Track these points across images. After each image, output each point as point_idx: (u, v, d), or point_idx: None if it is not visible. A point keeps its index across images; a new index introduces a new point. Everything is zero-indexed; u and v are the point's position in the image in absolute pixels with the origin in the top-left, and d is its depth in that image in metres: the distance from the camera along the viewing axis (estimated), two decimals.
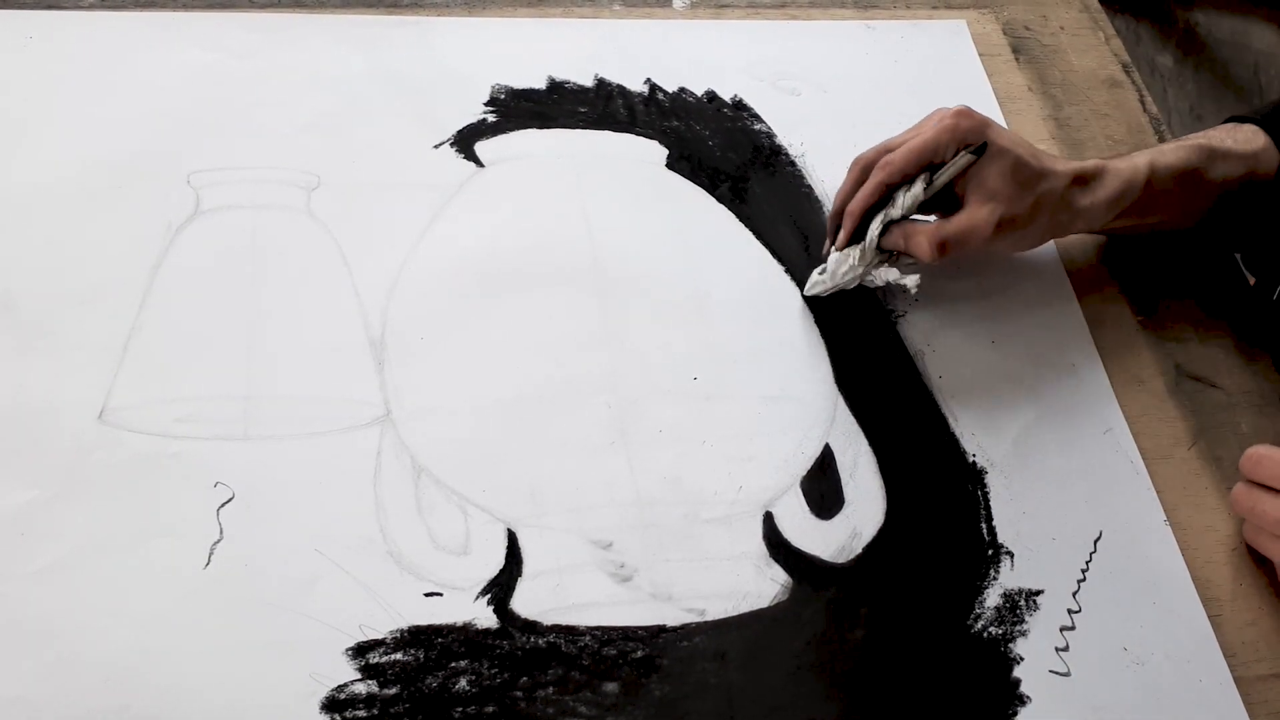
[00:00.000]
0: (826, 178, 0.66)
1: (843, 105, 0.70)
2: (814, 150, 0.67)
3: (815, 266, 0.60)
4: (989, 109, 0.71)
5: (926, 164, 0.56)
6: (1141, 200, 0.59)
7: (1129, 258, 0.65)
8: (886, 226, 0.57)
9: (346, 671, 0.46)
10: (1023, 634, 0.50)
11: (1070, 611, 0.51)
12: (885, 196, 0.57)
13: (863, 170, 0.58)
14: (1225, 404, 0.60)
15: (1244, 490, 0.53)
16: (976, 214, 0.56)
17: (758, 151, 0.67)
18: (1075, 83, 0.75)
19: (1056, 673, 0.49)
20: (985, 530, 0.53)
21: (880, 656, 0.49)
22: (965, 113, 0.56)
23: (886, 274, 0.58)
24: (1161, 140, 0.72)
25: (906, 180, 0.57)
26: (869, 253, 0.57)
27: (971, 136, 0.56)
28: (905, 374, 0.58)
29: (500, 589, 0.49)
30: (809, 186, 0.66)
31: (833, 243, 0.59)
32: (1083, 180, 0.58)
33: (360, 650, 0.46)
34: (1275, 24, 1.69)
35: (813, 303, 0.60)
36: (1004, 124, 0.70)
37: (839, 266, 0.58)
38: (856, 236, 0.58)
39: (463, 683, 0.46)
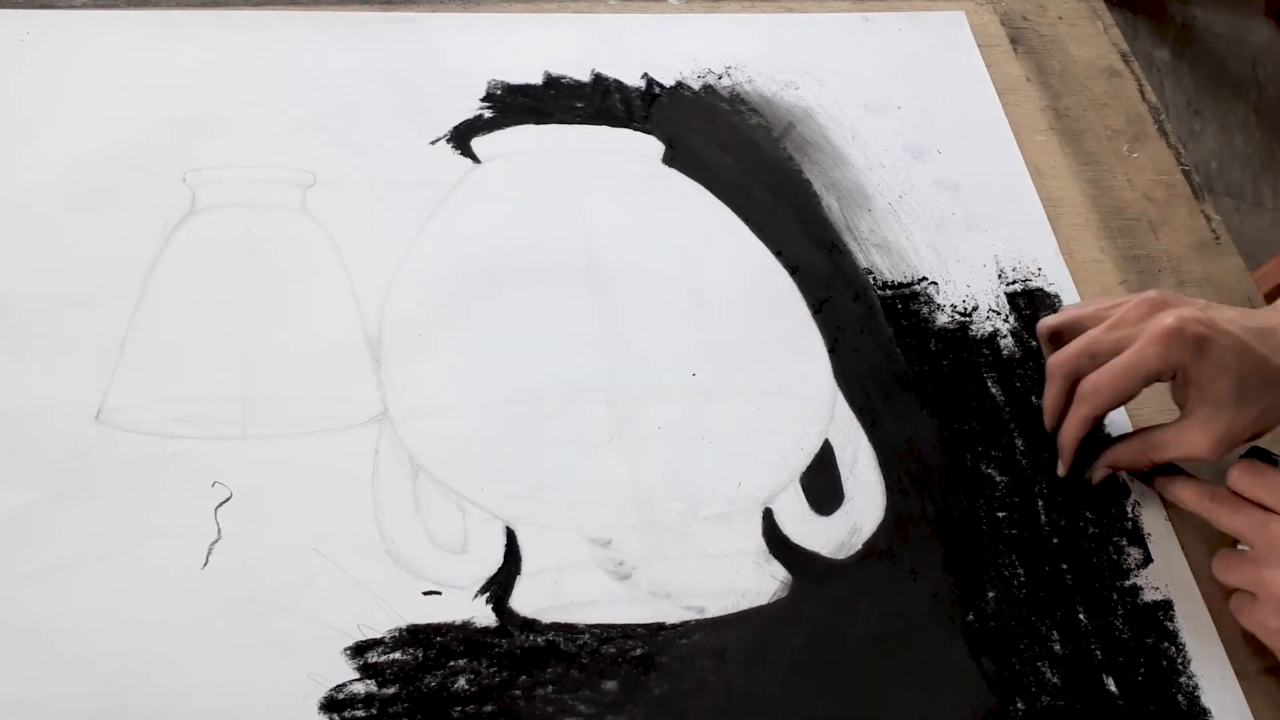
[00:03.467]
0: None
1: (841, 98, 0.70)
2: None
3: (820, 272, 0.61)
4: (988, 100, 0.71)
5: (1139, 388, 0.50)
6: None
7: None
8: (1094, 442, 0.53)
9: (345, 671, 0.46)
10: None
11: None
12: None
13: (1065, 379, 0.52)
14: None
15: (1215, 494, 0.49)
16: (1193, 437, 0.49)
17: (756, 145, 0.67)
18: (1074, 73, 0.74)
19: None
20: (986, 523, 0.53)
21: (880, 653, 0.49)
22: (1180, 331, 0.48)
23: None
24: (1162, 130, 0.71)
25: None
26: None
27: (1186, 355, 0.48)
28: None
29: (499, 587, 0.49)
30: (808, 180, 0.65)
31: (1064, 468, 0.54)
32: None
33: (359, 650, 0.46)
34: (1272, 18, 1.69)
35: (811, 303, 0.60)
36: (1003, 115, 0.70)
37: None
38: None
39: (461, 681, 0.46)
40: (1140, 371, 0.49)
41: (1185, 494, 0.51)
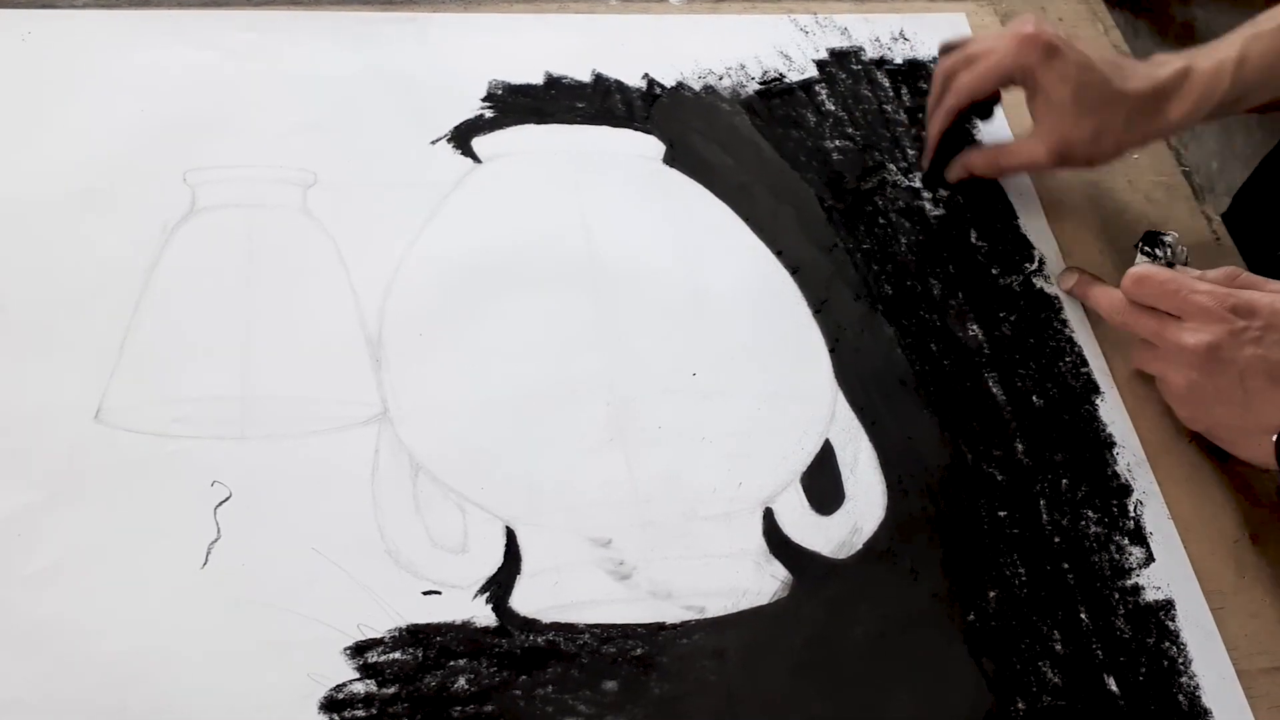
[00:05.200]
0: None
1: (841, 99, 0.70)
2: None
3: (820, 272, 0.61)
4: None
5: (996, 87, 0.59)
6: (1233, 97, 0.57)
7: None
8: (958, 142, 0.63)
9: (345, 671, 0.46)
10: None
11: None
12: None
13: (943, 81, 0.61)
14: None
15: (1125, 306, 0.55)
16: (1034, 145, 0.58)
17: (756, 146, 0.67)
18: None
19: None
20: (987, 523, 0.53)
21: (881, 653, 0.49)
22: (1035, 36, 0.56)
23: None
24: None
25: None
26: None
27: (1035, 58, 0.56)
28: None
29: (499, 587, 0.49)
30: (808, 180, 0.65)
31: (926, 161, 0.64)
32: (1159, 96, 0.56)
33: (358, 649, 0.46)
34: None
35: (813, 303, 0.60)
36: (1003, 116, 0.70)
37: None
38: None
39: (461, 681, 0.46)
40: (995, 69, 0.57)
41: (1102, 301, 0.58)
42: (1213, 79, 0.56)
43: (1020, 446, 0.56)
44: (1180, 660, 0.50)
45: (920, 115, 0.69)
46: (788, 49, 0.72)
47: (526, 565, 0.50)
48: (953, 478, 0.54)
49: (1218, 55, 0.57)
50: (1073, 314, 0.62)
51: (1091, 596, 0.51)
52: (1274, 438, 0.49)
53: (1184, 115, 0.56)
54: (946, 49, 0.63)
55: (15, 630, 0.45)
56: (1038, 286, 0.62)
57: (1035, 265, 0.63)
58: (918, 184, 0.66)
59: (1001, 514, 0.54)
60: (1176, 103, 0.56)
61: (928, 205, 0.65)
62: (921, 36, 0.74)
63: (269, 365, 0.54)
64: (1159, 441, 0.57)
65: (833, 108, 0.69)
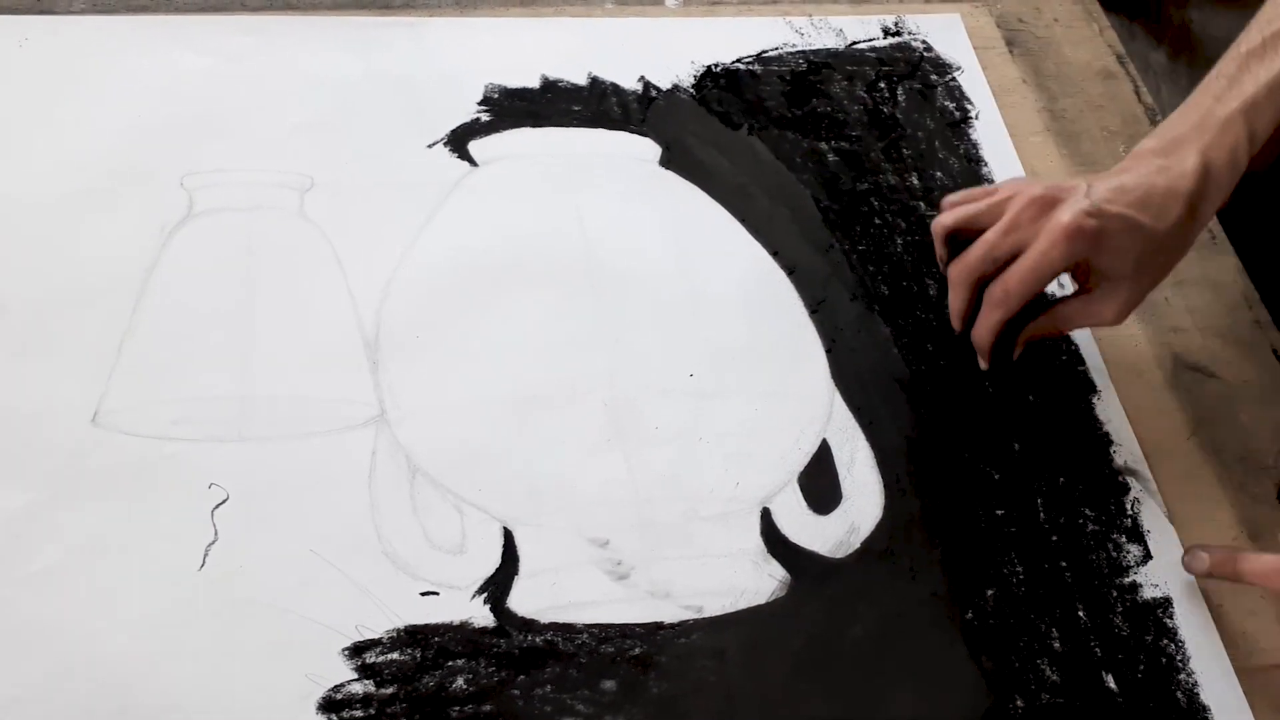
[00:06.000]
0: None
1: (836, 100, 0.70)
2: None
3: (816, 273, 0.61)
4: (984, 102, 0.71)
5: (1045, 285, 0.53)
6: (1249, 169, 0.53)
7: None
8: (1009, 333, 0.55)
9: (343, 672, 0.46)
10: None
11: None
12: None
13: (970, 286, 0.54)
14: (1224, 394, 0.59)
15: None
16: (1100, 310, 0.53)
17: (752, 148, 0.67)
18: (1069, 75, 0.74)
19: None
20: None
21: (879, 652, 0.49)
22: (1078, 228, 0.50)
23: None
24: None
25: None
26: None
27: (1087, 249, 0.50)
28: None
29: (497, 587, 0.49)
30: (804, 181, 0.65)
31: (985, 364, 0.56)
32: (1193, 209, 0.52)
33: (357, 650, 0.46)
34: None
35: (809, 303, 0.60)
36: (999, 117, 0.70)
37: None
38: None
39: (460, 681, 0.46)
40: (1048, 271, 0.51)
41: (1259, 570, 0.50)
42: (1231, 169, 0.52)
43: (1017, 445, 0.56)
44: (1179, 657, 0.50)
45: (916, 116, 0.69)
46: (782, 50, 0.72)
47: (524, 565, 0.50)
48: (950, 477, 0.55)
49: (1226, 141, 0.52)
50: None
51: (1089, 594, 0.51)
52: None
53: (1216, 208, 0.53)
54: (947, 234, 0.56)
55: (14, 631, 0.45)
56: None
57: None
58: (914, 183, 0.66)
59: (999, 512, 0.54)
60: (1207, 205, 0.52)
61: (922, 205, 0.65)
62: (917, 37, 0.74)
63: (267, 367, 0.54)
64: (1156, 439, 0.57)
65: (828, 109, 0.69)
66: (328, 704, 0.45)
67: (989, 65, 0.74)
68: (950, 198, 0.57)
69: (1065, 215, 0.50)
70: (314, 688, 0.45)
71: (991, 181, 0.67)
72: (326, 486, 0.50)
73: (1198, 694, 0.49)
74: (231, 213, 0.59)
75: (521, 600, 0.49)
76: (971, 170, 0.67)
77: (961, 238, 0.55)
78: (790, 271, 0.61)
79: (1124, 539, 0.53)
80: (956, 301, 0.55)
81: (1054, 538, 0.53)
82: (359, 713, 0.45)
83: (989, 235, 0.53)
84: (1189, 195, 0.51)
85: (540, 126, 0.66)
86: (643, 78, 0.69)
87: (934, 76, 0.72)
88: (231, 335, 0.55)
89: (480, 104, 0.66)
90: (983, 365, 0.56)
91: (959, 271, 0.54)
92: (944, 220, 0.56)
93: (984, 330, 0.54)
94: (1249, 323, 0.63)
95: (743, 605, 0.49)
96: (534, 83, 0.68)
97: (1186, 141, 0.52)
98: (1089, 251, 0.51)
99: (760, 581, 0.50)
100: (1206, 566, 0.51)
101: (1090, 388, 0.59)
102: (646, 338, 0.58)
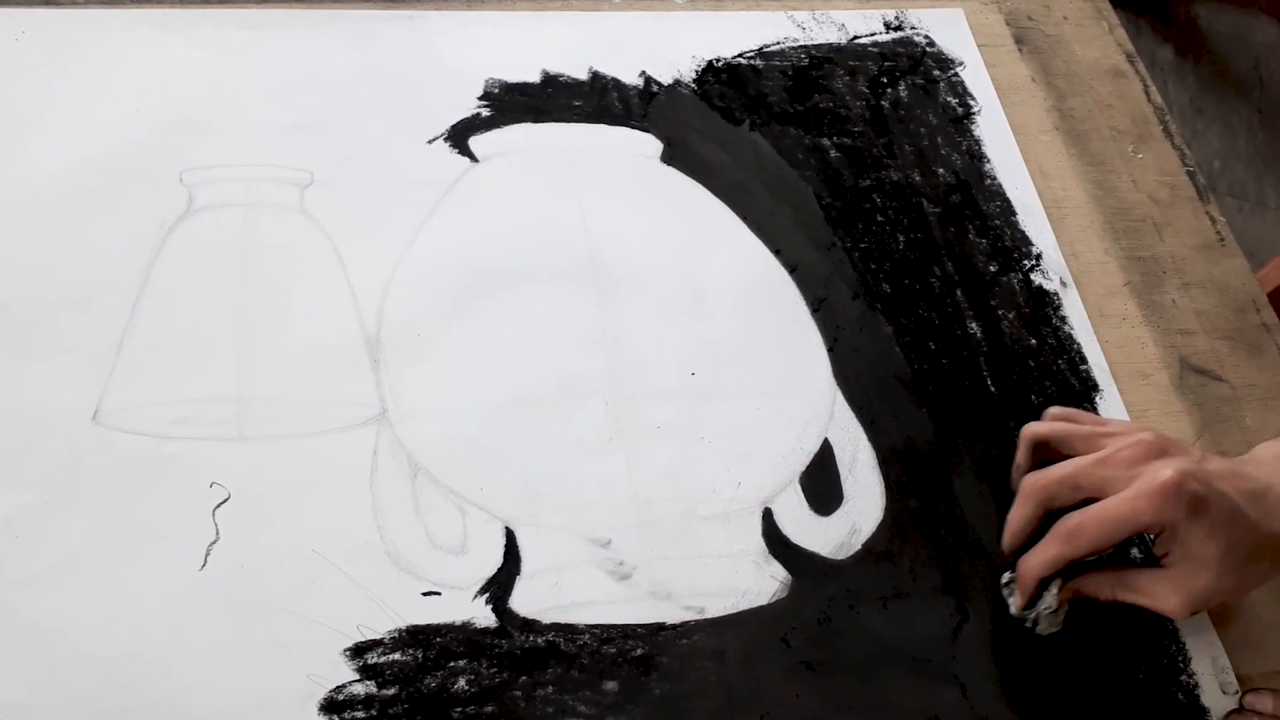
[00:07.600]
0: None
1: (839, 96, 0.69)
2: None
3: (818, 271, 0.61)
4: (987, 99, 0.71)
5: (1123, 539, 0.46)
6: None
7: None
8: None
9: (345, 672, 0.46)
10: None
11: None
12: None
13: (1039, 505, 0.48)
14: (1230, 397, 0.59)
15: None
16: (1165, 594, 0.46)
17: (754, 144, 0.66)
18: (1079, 73, 0.74)
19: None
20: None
21: (880, 654, 0.49)
22: (1179, 487, 0.44)
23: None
24: (1167, 131, 0.71)
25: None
26: (1046, 620, 0.49)
27: (1180, 513, 0.44)
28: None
29: (498, 588, 0.49)
30: (806, 178, 0.65)
31: (1021, 602, 0.49)
32: None
33: (358, 651, 0.46)
34: (1276, 18, 1.68)
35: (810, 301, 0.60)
36: (1002, 113, 0.70)
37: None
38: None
39: (461, 682, 0.46)
40: (1131, 524, 0.45)
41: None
42: None
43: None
44: (1179, 659, 0.50)
45: (918, 112, 0.69)
46: (785, 46, 0.72)
47: (526, 566, 0.49)
48: (951, 477, 0.54)
49: None
50: (1072, 310, 0.61)
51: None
52: None
53: None
54: (1036, 441, 0.51)
55: (13, 632, 0.45)
56: (1036, 284, 0.62)
57: (1034, 262, 0.63)
58: (916, 180, 0.66)
59: (1001, 513, 0.53)
60: None
61: (925, 203, 0.65)
62: (919, 32, 0.74)
63: (267, 366, 0.54)
64: None
65: (830, 104, 0.69)
66: (329, 705, 0.45)
67: (998, 63, 0.73)
68: (1053, 410, 0.52)
69: (1168, 470, 0.45)
70: (315, 688, 0.45)
71: (994, 177, 0.67)
72: (328, 486, 0.50)
73: (1198, 696, 0.49)
74: (231, 209, 0.59)
75: (523, 601, 0.48)
76: (974, 166, 0.67)
77: (1046, 454, 0.50)
78: (792, 270, 0.61)
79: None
80: (1019, 519, 0.49)
81: None
82: (361, 714, 0.45)
83: (1081, 460, 0.47)
84: None
85: (541, 122, 0.66)
86: (644, 72, 0.69)
87: (936, 72, 0.72)
88: (232, 333, 0.54)
89: (481, 99, 0.66)
90: (1016, 605, 0.49)
91: (1034, 486, 0.48)
92: (1038, 428, 0.51)
93: (1036, 563, 0.47)
94: (1256, 326, 0.63)
95: (744, 606, 0.49)
96: (535, 77, 0.67)
97: None
98: (1181, 519, 0.45)
99: (761, 582, 0.50)
100: (1271, 707, 0.48)
101: (1094, 387, 0.59)
102: (647, 336, 0.57)
